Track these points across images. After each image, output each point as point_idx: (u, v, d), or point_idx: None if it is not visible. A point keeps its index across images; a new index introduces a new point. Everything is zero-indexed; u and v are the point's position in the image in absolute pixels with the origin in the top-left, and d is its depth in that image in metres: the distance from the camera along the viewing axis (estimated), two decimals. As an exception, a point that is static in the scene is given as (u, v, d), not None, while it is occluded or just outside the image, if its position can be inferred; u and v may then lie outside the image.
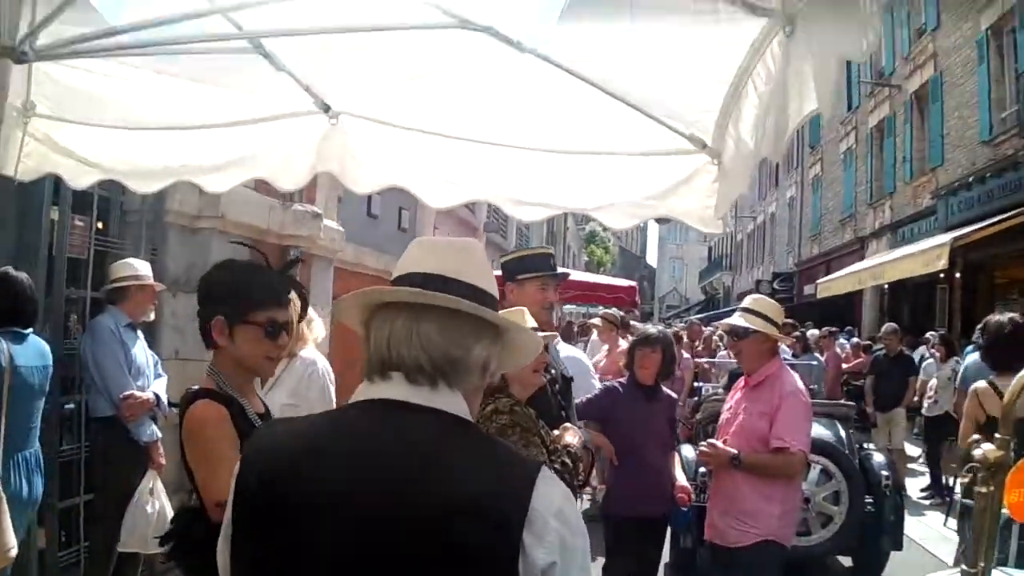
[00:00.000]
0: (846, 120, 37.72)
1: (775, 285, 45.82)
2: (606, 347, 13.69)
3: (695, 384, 14.89)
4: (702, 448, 6.00)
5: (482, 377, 2.12)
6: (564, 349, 6.76)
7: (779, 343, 6.22)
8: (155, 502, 6.65)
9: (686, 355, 15.22)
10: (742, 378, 6.35)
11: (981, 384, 6.73)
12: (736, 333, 6.11)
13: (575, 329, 19.74)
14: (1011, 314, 7.17)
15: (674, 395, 7.37)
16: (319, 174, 4.60)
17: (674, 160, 4.30)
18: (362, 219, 15.48)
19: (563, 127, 4.37)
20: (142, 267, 7.19)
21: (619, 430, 6.61)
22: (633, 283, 23.76)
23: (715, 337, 22.21)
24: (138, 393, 6.82)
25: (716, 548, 6.06)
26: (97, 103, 4.68)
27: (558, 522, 1.84)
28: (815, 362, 16.97)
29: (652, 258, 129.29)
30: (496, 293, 2.20)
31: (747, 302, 6.20)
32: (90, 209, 7.47)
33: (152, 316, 7.28)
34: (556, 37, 3.59)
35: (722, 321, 6.22)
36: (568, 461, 4.44)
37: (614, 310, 15.32)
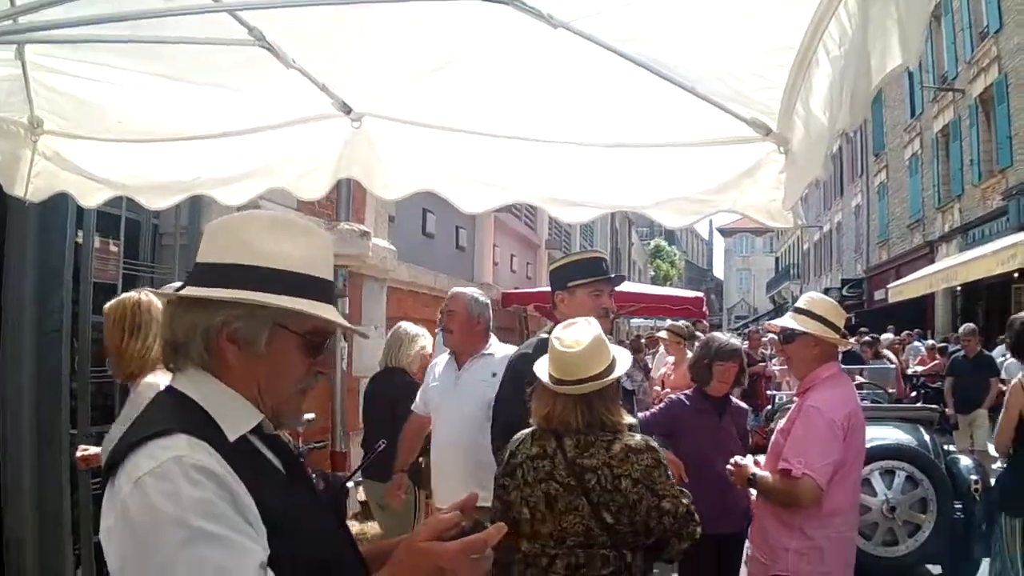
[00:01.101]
0: (910, 127, 37.96)
1: (844, 292, 46.33)
2: (670, 359, 13.15)
3: (768, 392, 14.50)
4: (728, 466, 5.36)
5: (229, 344, 2.13)
6: (501, 348, 6.43)
7: (835, 348, 5.35)
8: None
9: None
10: None
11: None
12: (785, 336, 5.39)
13: (643, 342, 19.27)
14: None
15: (745, 405, 6.85)
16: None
17: (735, 150, 3.84)
18: (417, 238, 15.25)
19: (607, 117, 3.93)
20: None
21: (687, 445, 6.17)
22: (700, 294, 23.36)
23: (763, 341, 21.76)
24: None
25: None
26: (103, 115, 4.47)
27: (131, 487, 1.85)
28: (891, 365, 16.57)
29: (719, 270, 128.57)
30: (263, 262, 2.16)
31: (801, 301, 5.45)
32: (116, 232, 7.28)
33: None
34: (591, 8, 3.14)
35: (771, 322, 5.47)
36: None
37: (682, 322, 14.83)
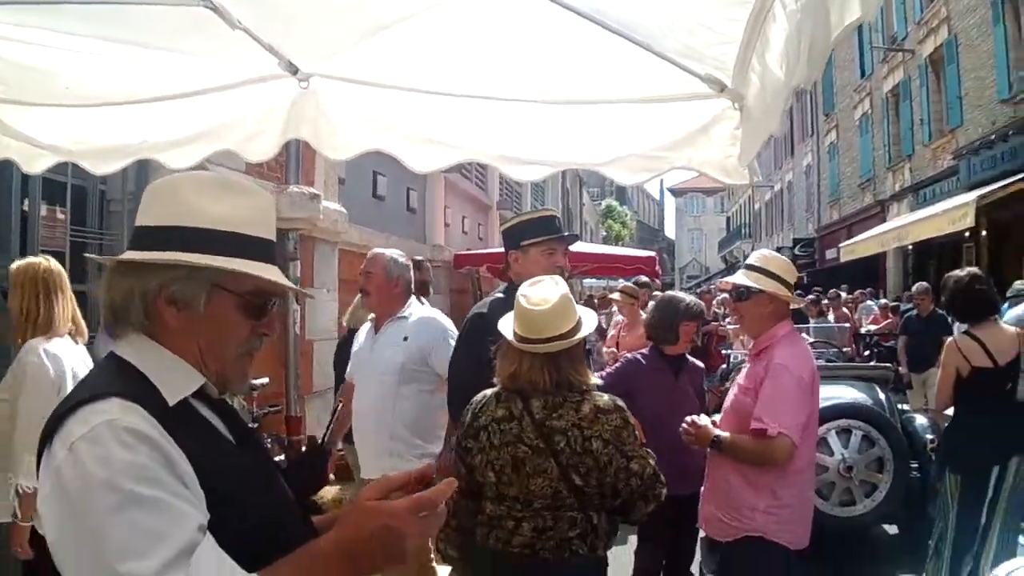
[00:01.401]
0: (860, 87, 38.16)
1: (796, 251, 46.59)
2: (619, 319, 13.02)
3: (723, 351, 14.44)
4: (684, 426, 5.18)
5: (167, 307, 2.11)
6: (418, 310, 6.28)
7: (788, 305, 5.24)
8: None
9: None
10: None
11: (960, 337, 6.95)
12: (738, 294, 5.21)
13: (595, 303, 19.26)
14: (970, 269, 7.28)
15: (700, 364, 6.79)
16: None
17: (689, 106, 3.82)
18: (367, 200, 15.13)
19: (559, 73, 3.87)
20: None
21: (645, 405, 5.88)
22: (653, 254, 23.30)
23: (714, 302, 21.83)
24: None
25: (711, 542, 5.45)
26: (47, 79, 4.31)
27: (65, 453, 1.83)
28: (834, 324, 16.73)
29: (670, 230, 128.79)
30: (204, 223, 2.13)
31: (753, 258, 5.29)
32: (63, 199, 7.18)
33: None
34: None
35: (723, 279, 5.30)
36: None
37: (639, 280, 14.73)
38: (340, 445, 7.80)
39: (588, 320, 4.17)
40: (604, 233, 69.06)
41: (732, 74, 3.47)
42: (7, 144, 4.76)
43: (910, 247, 29.58)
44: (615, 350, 11.46)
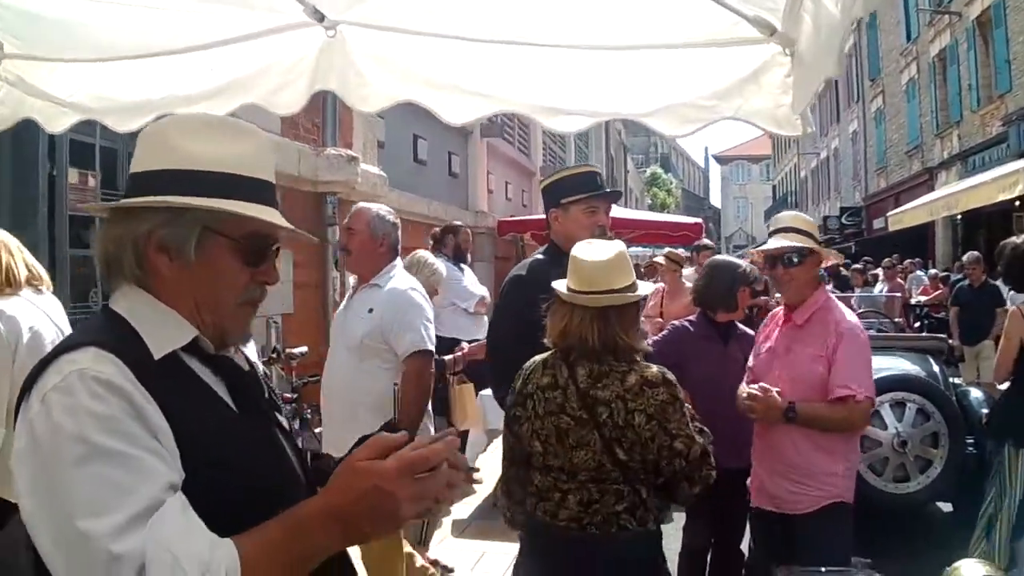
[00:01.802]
0: (906, 51, 37.30)
1: (843, 220, 46.16)
2: (658, 286, 12.55)
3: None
4: (750, 393, 4.91)
5: (159, 254, 2.01)
6: (396, 280, 5.66)
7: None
8: None
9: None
10: (773, 312, 5.43)
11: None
12: (785, 259, 4.96)
13: (642, 270, 19.02)
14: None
15: (750, 331, 6.45)
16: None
17: (737, 52, 3.59)
18: (408, 165, 14.99)
19: (600, 18, 3.64)
20: None
21: (695, 373, 5.57)
22: (699, 220, 23.03)
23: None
24: None
25: (766, 515, 5.13)
26: (66, 33, 4.21)
27: (39, 404, 1.76)
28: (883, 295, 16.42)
29: (716, 198, 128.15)
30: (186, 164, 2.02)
31: (786, 220, 5.13)
32: (92, 162, 7.07)
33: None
34: None
35: (764, 246, 5.03)
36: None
37: (701, 243, 14.40)
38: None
39: (644, 286, 3.96)
40: (649, 201, 68.94)
41: (783, 15, 3.25)
42: (30, 104, 4.65)
43: (959, 216, 28.92)
44: (660, 319, 11.15)
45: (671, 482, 3.87)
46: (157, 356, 1.91)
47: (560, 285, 3.98)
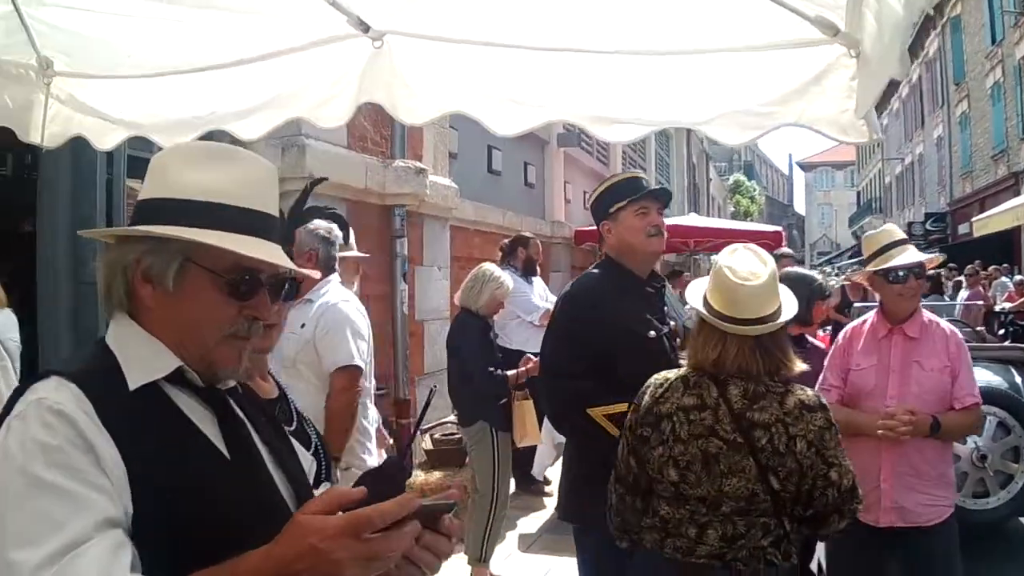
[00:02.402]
0: (991, 54, 36.76)
1: (928, 226, 45.66)
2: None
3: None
4: (900, 418, 4.64)
5: (144, 284, 1.98)
6: (330, 294, 5.45)
7: None
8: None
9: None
10: (864, 326, 5.19)
11: None
12: (918, 272, 4.95)
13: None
14: None
15: (821, 344, 6.21)
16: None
17: (799, 55, 3.36)
18: (482, 176, 14.94)
19: (652, 22, 3.47)
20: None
21: None
22: (779, 228, 22.76)
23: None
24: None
25: (889, 532, 4.88)
26: (113, 51, 4.28)
27: (4, 431, 1.76)
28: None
29: (800, 205, 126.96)
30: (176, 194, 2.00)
31: (897, 233, 5.12)
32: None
33: (356, 287, 6.66)
34: None
35: (900, 262, 4.93)
36: None
37: (780, 252, 14.10)
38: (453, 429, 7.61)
39: (788, 301, 3.81)
40: (732, 209, 68.55)
41: (845, 14, 3.05)
42: (79, 121, 4.64)
43: (1047, 222, 28.31)
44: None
45: (820, 514, 3.62)
46: (133, 387, 1.88)
47: (697, 300, 3.80)
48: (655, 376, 3.89)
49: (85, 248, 6.27)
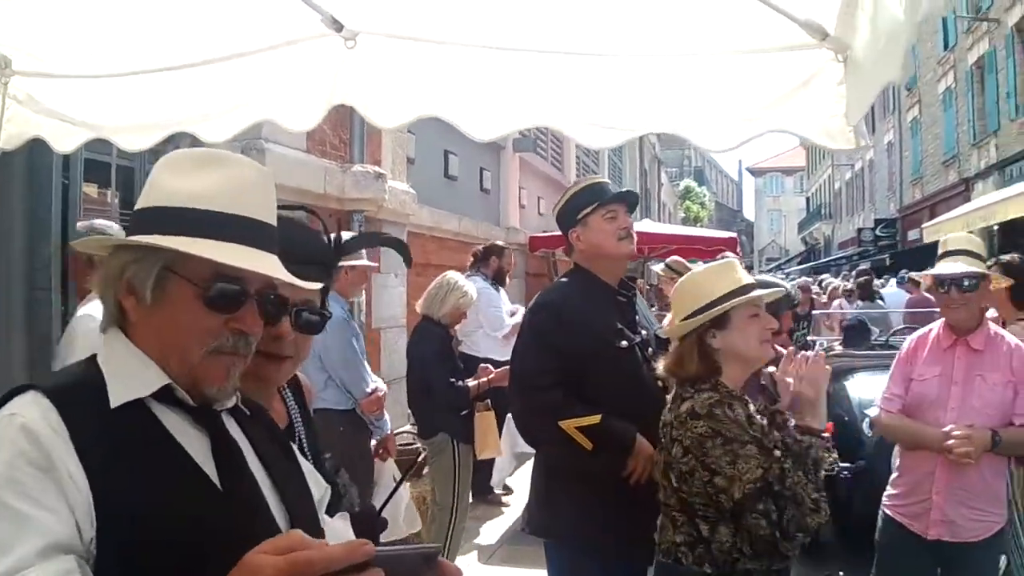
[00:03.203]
0: (943, 59, 36.98)
1: (878, 232, 45.97)
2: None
3: (808, 338, 13.68)
4: (956, 436, 4.62)
5: (128, 296, 1.90)
6: (86, 307, 5.27)
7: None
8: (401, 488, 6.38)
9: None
10: (929, 335, 5.14)
11: None
12: (963, 283, 4.85)
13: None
14: None
15: (782, 350, 6.09)
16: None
17: (785, 59, 3.31)
18: (439, 181, 14.80)
19: (636, 23, 3.39)
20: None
21: None
22: (734, 235, 22.78)
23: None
24: (381, 386, 6.82)
25: (936, 544, 4.87)
26: (75, 48, 4.14)
27: None
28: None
29: (749, 211, 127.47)
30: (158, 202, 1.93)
31: (960, 242, 5.10)
32: (107, 181, 7.03)
33: (362, 296, 6.66)
34: None
35: (944, 271, 4.92)
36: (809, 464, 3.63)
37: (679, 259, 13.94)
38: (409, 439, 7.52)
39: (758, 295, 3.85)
40: (683, 215, 68.69)
41: (836, 18, 3.00)
42: (37, 122, 4.52)
43: (996, 227, 28.46)
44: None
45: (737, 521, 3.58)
46: (114, 404, 1.78)
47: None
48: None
49: (40, 254, 6.12)
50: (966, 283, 4.83)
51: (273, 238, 1.97)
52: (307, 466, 2.27)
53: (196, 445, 1.87)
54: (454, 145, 14.94)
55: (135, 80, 4.21)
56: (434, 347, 7.17)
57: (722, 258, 3.89)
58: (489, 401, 7.29)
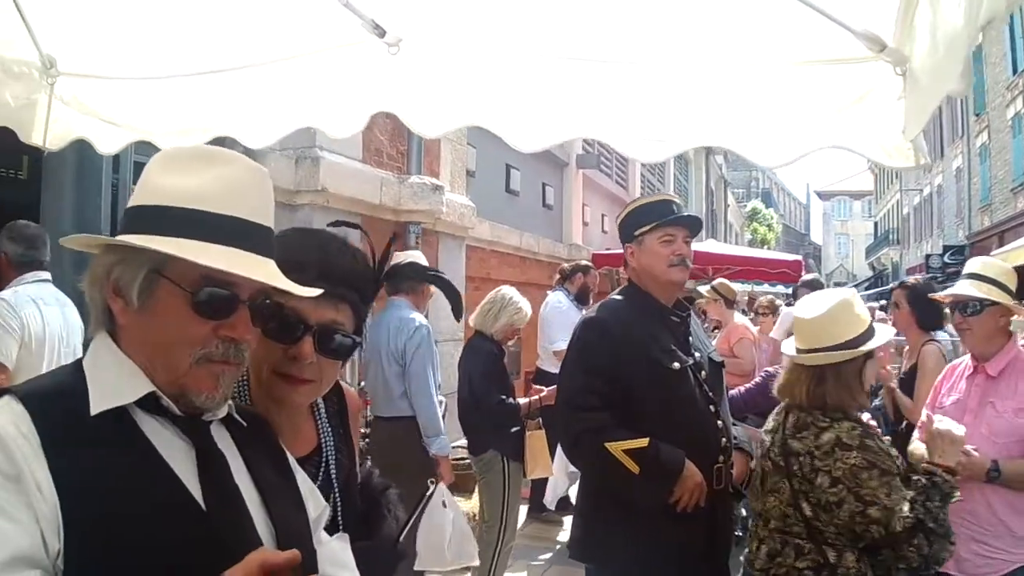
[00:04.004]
0: (1012, 84, 36.20)
1: (946, 259, 45.16)
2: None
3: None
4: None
5: (115, 298, 1.82)
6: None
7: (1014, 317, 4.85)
8: (449, 514, 6.31)
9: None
10: (959, 365, 5.05)
11: None
12: (963, 307, 4.81)
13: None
14: None
15: None
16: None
17: (841, 72, 3.17)
18: (500, 195, 14.74)
19: (686, 33, 3.27)
20: (422, 260, 6.94)
21: None
22: (799, 257, 22.51)
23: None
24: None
25: None
26: (120, 51, 4.14)
27: None
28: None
29: (817, 235, 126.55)
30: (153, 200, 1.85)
31: (975, 266, 4.96)
32: None
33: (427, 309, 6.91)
34: None
35: (947, 292, 4.96)
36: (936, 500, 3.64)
37: (780, 287, 13.75)
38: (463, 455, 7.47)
39: (879, 334, 3.91)
40: (749, 236, 68.30)
41: (895, 28, 2.86)
42: (82, 123, 4.52)
43: (1066, 257, 28.07)
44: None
45: (872, 549, 3.68)
46: (94, 411, 1.71)
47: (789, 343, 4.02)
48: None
49: (87, 255, 6.13)
50: (969, 308, 4.78)
51: (268, 241, 1.89)
52: (306, 483, 2.18)
53: (179, 456, 1.79)
54: (516, 159, 14.88)
55: (178, 83, 4.18)
56: (484, 363, 7.07)
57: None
58: (541, 420, 7.16)
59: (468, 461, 7.91)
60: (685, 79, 3.41)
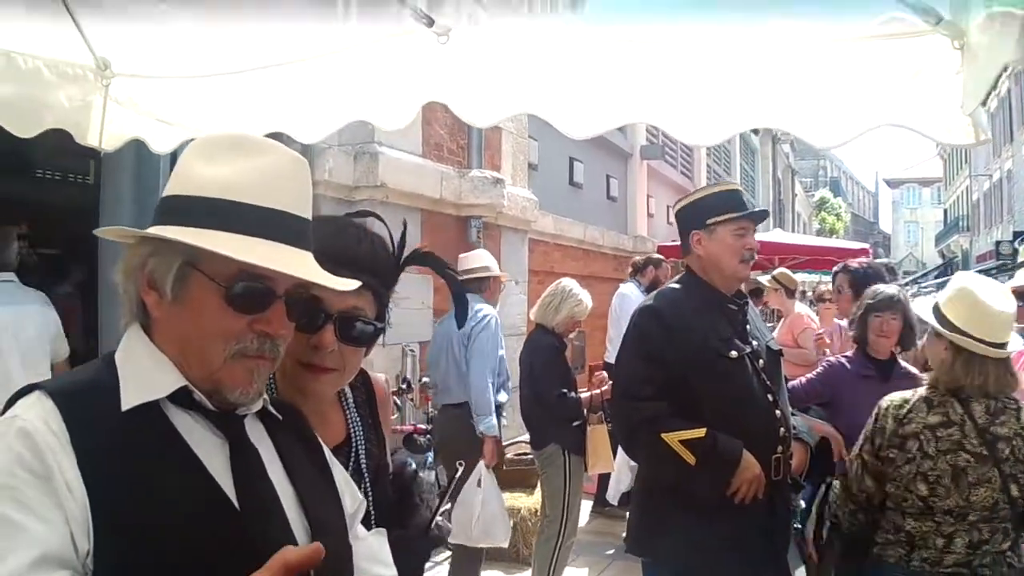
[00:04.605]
0: (1085, 65, 35.09)
1: (1016, 244, 44.14)
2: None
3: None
4: None
5: (149, 291, 1.78)
6: None
7: None
8: (482, 494, 6.66)
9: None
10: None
11: None
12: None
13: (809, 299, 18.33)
14: None
15: (915, 371, 5.68)
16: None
17: (896, 47, 3.09)
18: (563, 188, 14.70)
19: (740, 11, 3.22)
20: (492, 259, 7.50)
21: (849, 415, 5.05)
22: (866, 246, 22.19)
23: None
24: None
25: None
26: (168, 47, 4.19)
27: None
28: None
29: (886, 223, 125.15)
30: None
31: None
32: None
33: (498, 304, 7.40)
34: None
35: (1011, 282, 4.88)
36: None
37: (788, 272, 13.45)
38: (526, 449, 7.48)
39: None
40: (817, 226, 67.75)
41: (950, 2, 2.81)
42: (137, 123, 4.60)
43: None
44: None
45: None
46: (125, 407, 1.67)
47: (928, 316, 4.05)
48: (888, 399, 4.09)
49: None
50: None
51: (305, 233, 1.84)
52: (342, 476, 2.15)
53: (212, 452, 1.75)
54: (579, 152, 14.83)
55: (230, 80, 4.21)
56: (545, 356, 7.02)
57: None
58: (602, 414, 7.10)
59: (531, 456, 7.87)
60: (739, 59, 3.35)
